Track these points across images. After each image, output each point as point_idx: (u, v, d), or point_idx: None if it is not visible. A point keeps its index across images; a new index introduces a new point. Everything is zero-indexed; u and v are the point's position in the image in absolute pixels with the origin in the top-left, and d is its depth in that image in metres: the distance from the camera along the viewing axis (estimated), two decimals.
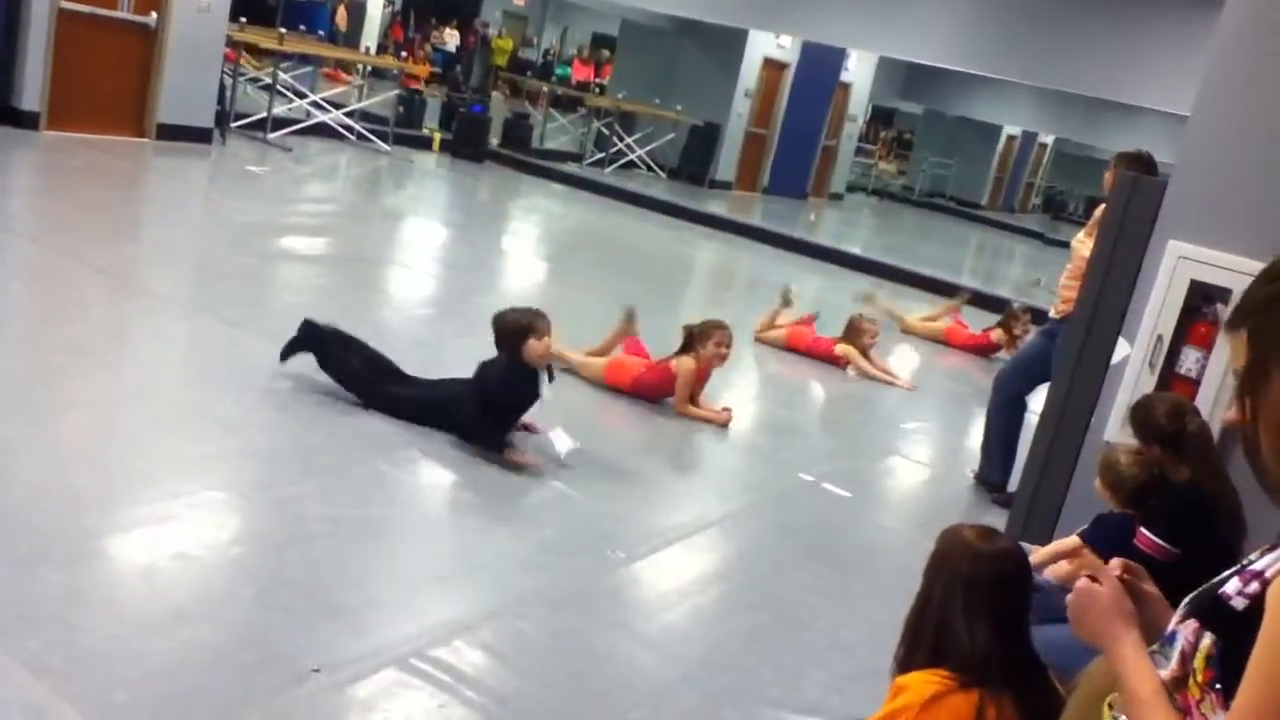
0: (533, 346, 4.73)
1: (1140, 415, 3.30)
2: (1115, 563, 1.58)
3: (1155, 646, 1.39)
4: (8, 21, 8.87)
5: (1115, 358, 3.88)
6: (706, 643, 3.65)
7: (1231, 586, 1.29)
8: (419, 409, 4.82)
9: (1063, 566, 3.36)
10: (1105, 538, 3.26)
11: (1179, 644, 1.35)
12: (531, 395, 4.83)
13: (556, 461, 4.74)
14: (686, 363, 5.91)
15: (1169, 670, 1.34)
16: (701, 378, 6.03)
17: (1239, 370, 1.28)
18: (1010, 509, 4.58)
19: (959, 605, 2.07)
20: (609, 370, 6.10)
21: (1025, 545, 3.60)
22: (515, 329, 4.74)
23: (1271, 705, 1.13)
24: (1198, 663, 1.30)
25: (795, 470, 5.53)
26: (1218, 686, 1.24)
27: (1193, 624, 1.34)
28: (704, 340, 5.94)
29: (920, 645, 2.10)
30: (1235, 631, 1.21)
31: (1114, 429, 3.78)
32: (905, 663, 2.12)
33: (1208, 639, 1.29)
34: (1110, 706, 1.44)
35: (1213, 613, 1.30)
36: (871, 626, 3.81)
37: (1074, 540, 3.38)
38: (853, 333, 7.92)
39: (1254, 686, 1.15)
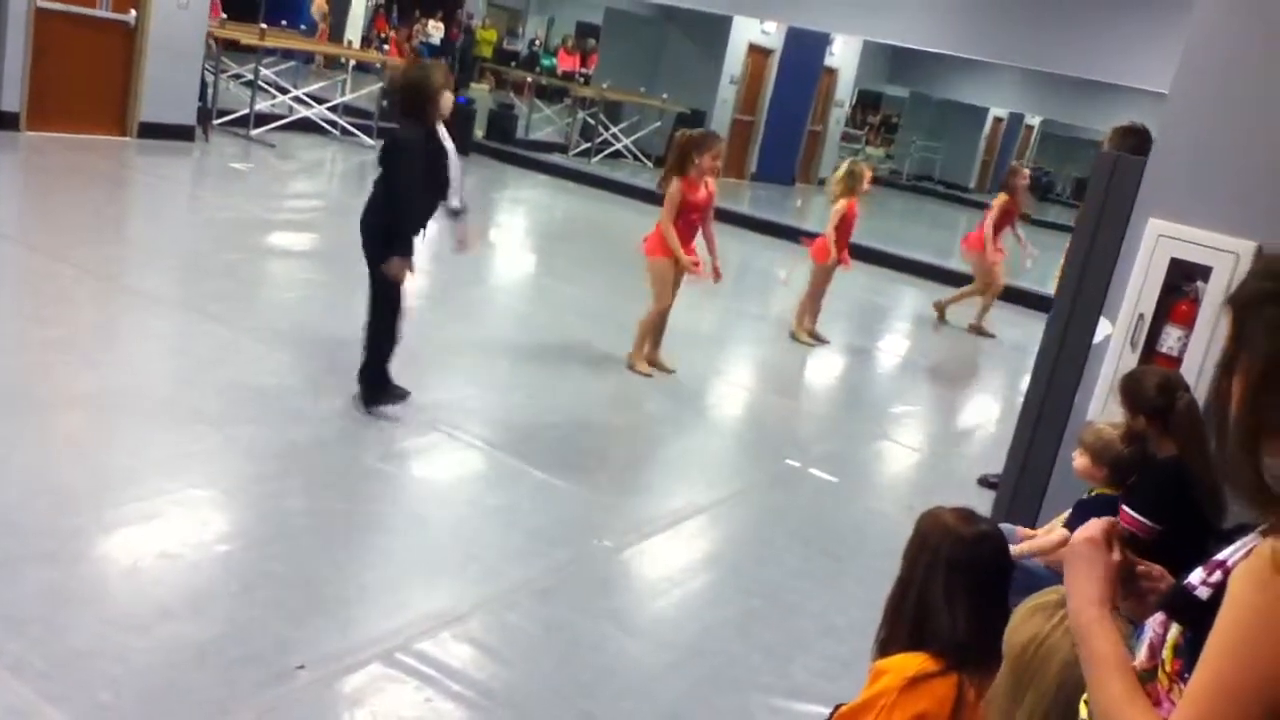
0: (446, 99, 4.60)
1: (1130, 386, 3.29)
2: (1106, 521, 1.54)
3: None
4: None
5: (1097, 337, 3.88)
6: (696, 630, 3.65)
7: (1196, 576, 1.29)
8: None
9: (1041, 541, 3.36)
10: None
11: (1147, 636, 1.35)
12: (440, 164, 4.65)
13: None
14: (674, 185, 5.94)
15: (1137, 662, 1.34)
16: (694, 197, 5.99)
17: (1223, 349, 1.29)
18: (996, 490, 4.59)
19: (939, 588, 2.06)
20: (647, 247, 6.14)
21: (1009, 527, 3.62)
22: (425, 84, 4.57)
23: (1226, 683, 1.14)
24: (1166, 653, 1.30)
25: (782, 456, 5.54)
26: (1186, 676, 1.24)
27: (1160, 616, 1.34)
28: (699, 150, 5.91)
29: (900, 628, 2.10)
30: (1201, 621, 1.21)
31: (1097, 408, 3.79)
32: (885, 646, 2.11)
33: (1175, 630, 1.29)
34: (1086, 703, 1.43)
35: (1179, 603, 1.30)
36: (861, 610, 3.81)
37: (1060, 534, 3.36)
38: (854, 180, 7.77)
39: (1209, 665, 1.16)
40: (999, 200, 9.30)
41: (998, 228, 9.22)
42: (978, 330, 9.60)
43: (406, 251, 4.58)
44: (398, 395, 4.84)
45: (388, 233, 4.56)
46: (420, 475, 4.56)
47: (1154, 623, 1.34)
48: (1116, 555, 1.45)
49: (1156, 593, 1.45)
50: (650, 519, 4.46)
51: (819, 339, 7.98)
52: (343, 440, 4.53)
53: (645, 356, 6.29)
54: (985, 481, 5.47)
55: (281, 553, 3.52)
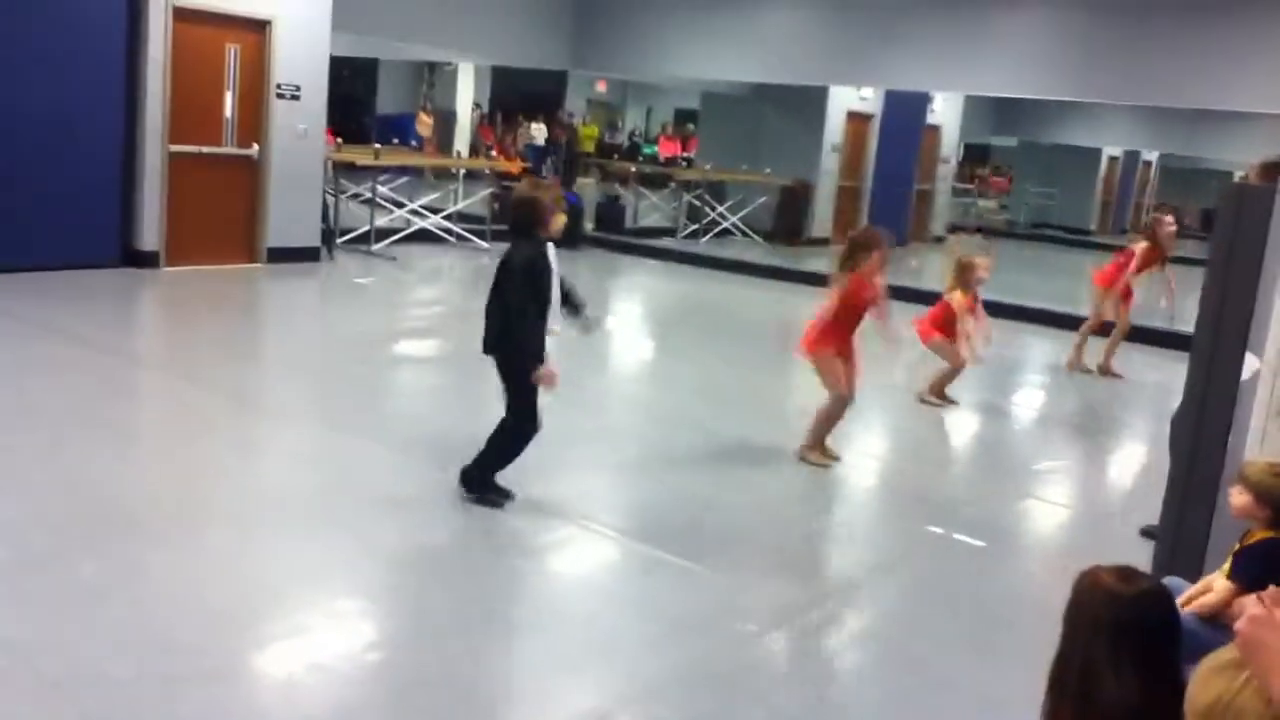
0: (558, 219, 4.70)
1: None
2: (1271, 591, 1.45)
3: None
4: (124, 169, 9.41)
5: (1245, 374, 3.70)
6: (852, 714, 3.54)
7: None
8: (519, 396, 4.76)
9: (1209, 599, 3.16)
10: (1255, 569, 3.07)
11: None
12: (549, 282, 4.71)
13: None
14: (844, 280, 5.82)
15: None
16: (862, 294, 5.85)
17: None
18: (1155, 542, 4.37)
19: (1103, 653, 1.96)
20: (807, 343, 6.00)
21: (1175, 581, 3.43)
22: (536, 206, 4.68)
23: None
24: None
25: (924, 524, 5.38)
26: None
27: None
28: (866, 250, 5.81)
29: (1066, 700, 1.99)
30: None
31: (1254, 447, 3.59)
32: (1052, 718, 2.01)
33: None
34: None
35: None
36: (1021, 682, 3.63)
37: (1223, 586, 3.17)
38: (963, 273, 7.56)
39: None
40: (1141, 247, 9.13)
41: (1137, 271, 9.13)
42: (1106, 371, 9.36)
43: (539, 359, 4.68)
44: (505, 495, 4.88)
45: (517, 348, 4.66)
46: (558, 570, 4.57)
47: None
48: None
49: None
50: (792, 600, 4.37)
51: (948, 400, 7.79)
52: (479, 541, 4.58)
53: (818, 446, 6.09)
54: (1148, 533, 5.21)
55: (429, 659, 3.55)
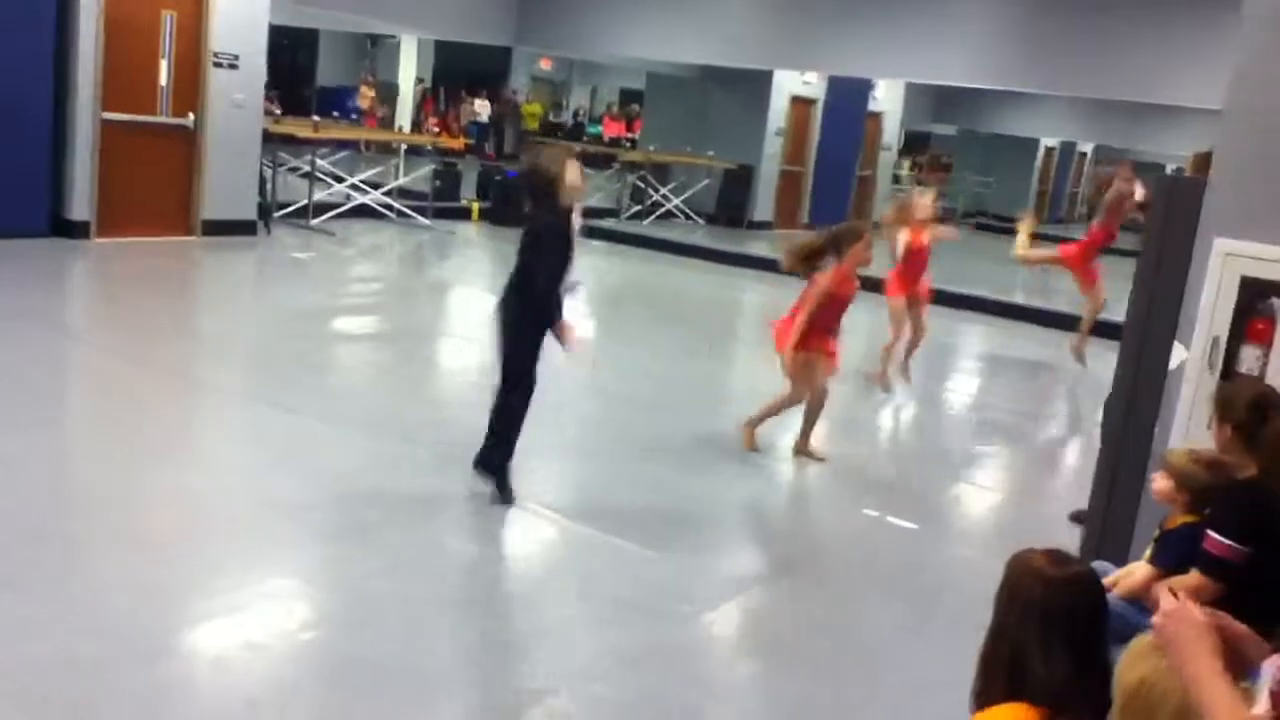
0: (570, 179, 4.59)
1: (1225, 394, 3.21)
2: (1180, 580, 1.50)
3: (1243, 684, 1.33)
4: (54, 136, 9.17)
5: (1172, 364, 3.79)
6: (785, 691, 3.59)
7: None
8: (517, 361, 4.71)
9: (1132, 582, 3.25)
10: (1174, 554, 3.16)
11: (1266, 681, 1.29)
12: (569, 247, 4.66)
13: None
14: (828, 274, 5.61)
15: (1260, 710, 1.28)
16: (843, 287, 5.67)
17: None
18: (1083, 527, 4.48)
19: (1034, 636, 2.00)
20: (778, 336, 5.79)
21: (1103, 565, 3.51)
22: (544, 171, 4.61)
23: None
24: None
25: (859, 506, 5.46)
26: None
27: (1278, 659, 1.28)
28: (849, 243, 5.64)
29: (996, 679, 2.03)
30: None
31: (1179, 435, 3.69)
32: (982, 698, 2.05)
33: None
34: None
35: None
36: (953, 662, 3.70)
37: (1145, 570, 3.25)
38: (902, 213, 7.57)
39: None
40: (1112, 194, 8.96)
41: (1114, 217, 8.91)
42: (1079, 354, 9.16)
43: (558, 319, 4.64)
44: (506, 497, 4.79)
45: (533, 318, 4.59)
46: (500, 551, 4.57)
47: (1272, 667, 1.29)
48: (1203, 616, 1.40)
49: (1247, 650, 1.40)
50: (728, 579, 4.41)
51: (886, 387, 7.85)
52: (421, 521, 4.55)
53: (804, 443, 5.99)
54: (1077, 518, 5.34)
55: (366, 637, 3.53)
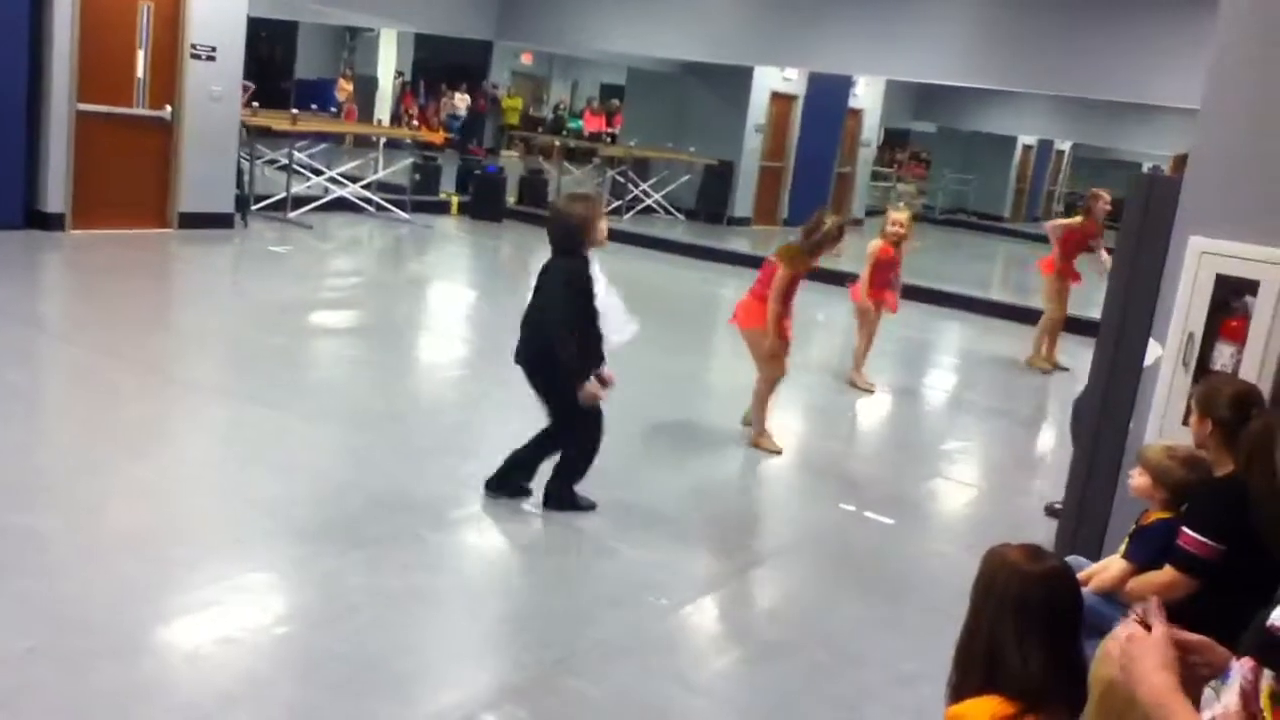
0: (601, 228, 4.52)
1: (1207, 390, 3.22)
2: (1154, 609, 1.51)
3: (1213, 684, 1.34)
4: (29, 127, 9.07)
5: (1148, 360, 3.82)
6: (762, 686, 3.59)
7: (1278, 616, 1.24)
8: (566, 414, 4.62)
9: (1106, 577, 3.27)
10: (1149, 550, 3.18)
11: (1235, 681, 1.29)
12: (592, 295, 4.53)
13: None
14: (787, 271, 5.88)
15: (1226, 709, 1.28)
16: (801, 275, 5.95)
17: None
18: (1059, 521, 4.50)
19: (1009, 630, 2.01)
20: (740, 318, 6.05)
21: (1077, 559, 3.54)
22: (581, 220, 4.49)
23: None
24: (1264, 703, 1.24)
25: (836, 501, 5.47)
26: None
27: (1248, 661, 1.29)
28: (832, 242, 5.99)
29: (972, 673, 2.04)
30: None
31: (1154, 431, 3.71)
32: (958, 691, 2.06)
33: (1268, 678, 1.24)
34: None
35: (1265, 647, 1.25)
36: (929, 656, 3.73)
37: (1119, 565, 3.27)
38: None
39: None
40: (1075, 222, 9.03)
41: (1070, 249, 9.01)
42: (1051, 362, 9.30)
43: (585, 375, 4.50)
44: (585, 504, 4.77)
45: (558, 368, 4.48)
46: (475, 545, 4.55)
47: (1244, 668, 1.29)
48: (1156, 630, 1.41)
49: (1207, 665, 1.40)
50: (706, 574, 4.42)
51: (868, 387, 7.88)
52: (397, 515, 4.54)
53: (766, 431, 6.09)
54: (1052, 510, 5.37)
55: (341, 632, 3.51)
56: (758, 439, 6.06)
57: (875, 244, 7.76)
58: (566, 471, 4.72)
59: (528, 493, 4.77)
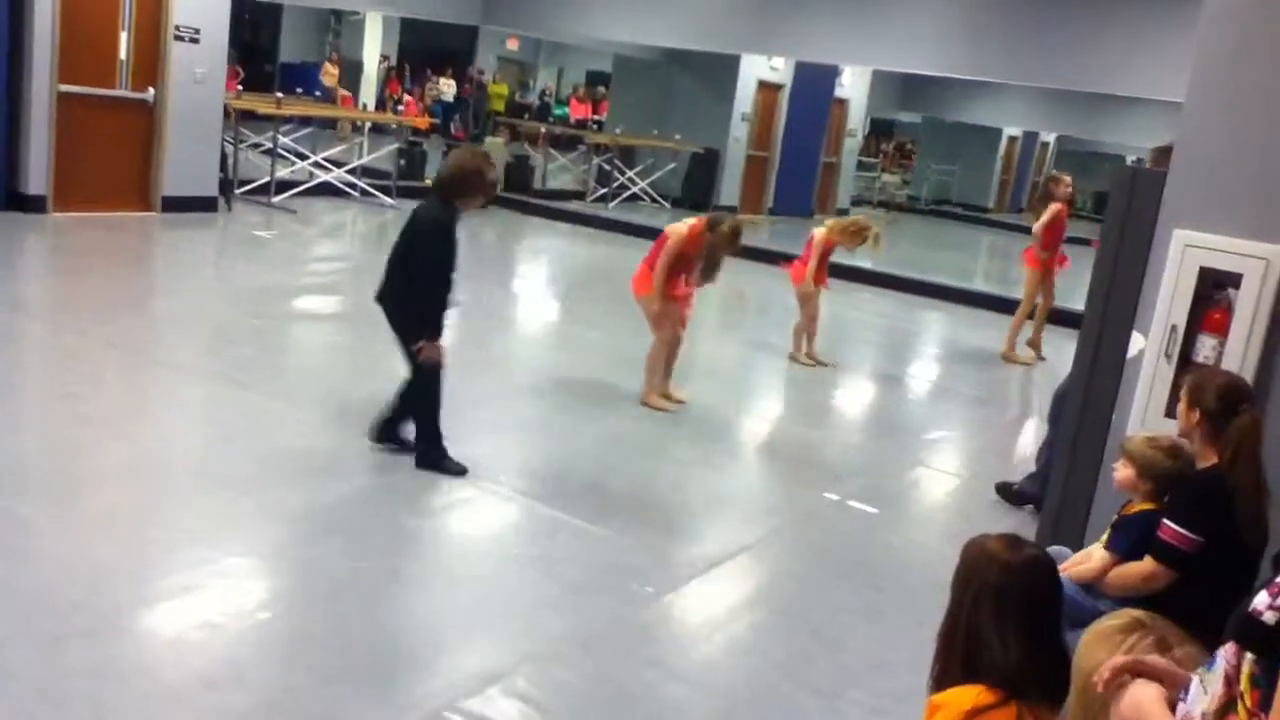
0: (478, 199, 4.61)
1: (1197, 380, 3.23)
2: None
3: (1199, 672, 1.35)
4: (9, 107, 8.99)
5: (1130, 352, 3.84)
6: (743, 673, 3.60)
7: (1261, 602, 1.25)
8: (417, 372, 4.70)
9: (1086, 569, 3.28)
10: (1130, 541, 3.20)
11: (1220, 667, 1.31)
12: (455, 250, 4.61)
13: None
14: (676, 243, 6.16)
15: (1214, 696, 1.30)
16: (692, 246, 6.17)
17: None
18: (1039, 511, 4.53)
19: (990, 618, 2.02)
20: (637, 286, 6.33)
21: (1059, 549, 3.55)
22: (476, 178, 4.57)
23: None
24: (1243, 685, 1.25)
25: (819, 490, 5.49)
26: (1266, 708, 1.19)
27: (1231, 645, 1.30)
28: (729, 245, 6.22)
29: (953, 661, 2.05)
30: (1273, 646, 1.17)
31: (1136, 423, 3.73)
32: (940, 679, 2.07)
33: (1248, 660, 1.25)
34: None
35: (1247, 631, 1.26)
36: (911, 644, 3.75)
37: (1100, 556, 3.29)
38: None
39: None
40: (1054, 209, 8.97)
41: (1050, 241, 9.04)
42: (1036, 349, 9.33)
43: (437, 333, 4.60)
44: (454, 469, 4.81)
45: (417, 316, 4.58)
46: (457, 530, 4.55)
47: (1226, 653, 1.30)
48: (1150, 685, 1.42)
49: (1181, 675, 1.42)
50: (689, 561, 4.42)
51: (819, 362, 8.04)
52: (378, 500, 4.53)
53: (657, 390, 6.36)
54: (1004, 489, 5.46)
55: (322, 616, 3.51)
56: (646, 397, 6.33)
57: (821, 233, 7.96)
58: (421, 430, 4.79)
59: (408, 446, 4.84)
